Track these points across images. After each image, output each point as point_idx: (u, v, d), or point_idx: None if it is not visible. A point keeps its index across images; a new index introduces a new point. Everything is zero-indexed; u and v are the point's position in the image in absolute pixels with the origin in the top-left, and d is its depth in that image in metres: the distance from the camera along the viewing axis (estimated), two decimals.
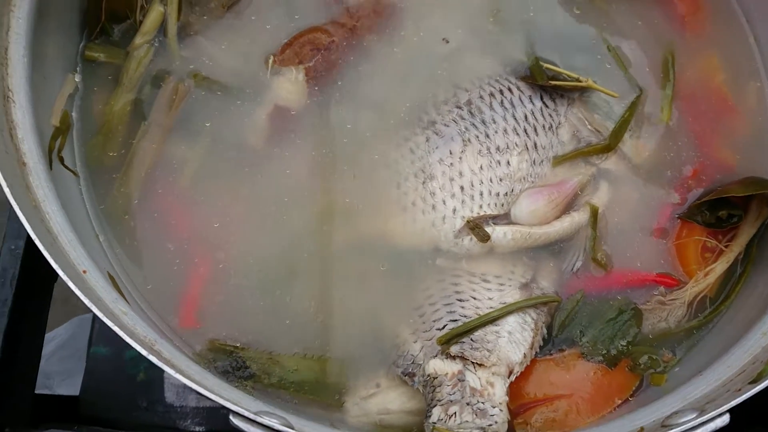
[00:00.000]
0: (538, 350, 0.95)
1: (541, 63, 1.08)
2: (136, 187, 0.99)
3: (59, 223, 0.78)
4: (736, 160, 1.07)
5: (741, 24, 1.17)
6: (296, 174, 1.03)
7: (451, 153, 1.02)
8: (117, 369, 1.16)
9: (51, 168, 0.85)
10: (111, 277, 0.88)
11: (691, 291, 0.98)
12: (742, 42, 1.16)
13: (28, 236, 0.75)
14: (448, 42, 1.11)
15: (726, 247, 1.00)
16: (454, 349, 0.92)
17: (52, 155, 0.88)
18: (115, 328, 0.65)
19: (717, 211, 0.99)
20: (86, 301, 0.66)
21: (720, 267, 0.99)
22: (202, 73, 1.06)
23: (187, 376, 0.67)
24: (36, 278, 0.95)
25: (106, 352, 1.19)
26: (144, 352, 0.64)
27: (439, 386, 0.89)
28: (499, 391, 0.89)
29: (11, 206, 0.72)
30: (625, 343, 0.96)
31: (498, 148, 1.02)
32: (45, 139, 0.87)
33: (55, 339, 1.19)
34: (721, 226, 1.00)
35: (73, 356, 1.19)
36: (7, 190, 0.68)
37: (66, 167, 0.93)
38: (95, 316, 0.70)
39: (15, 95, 0.80)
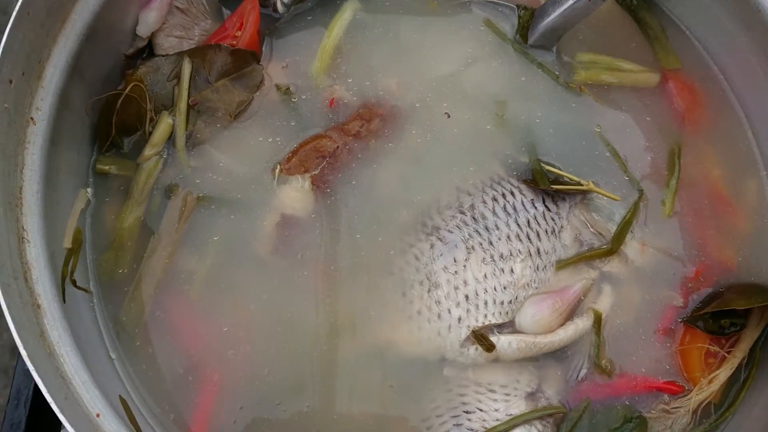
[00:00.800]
0: None
1: (543, 165, 1.10)
2: (147, 302, 1.01)
3: (73, 365, 0.80)
4: (736, 261, 1.08)
5: (740, 119, 1.18)
6: (303, 283, 1.04)
7: (455, 261, 1.03)
8: None
9: (64, 301, 0.87)
10: (123, 401, 0.90)
11: (695, 399, 0.99)
12: (741, 138, 1.17)
13: None
14: (449, 116, 1.13)
15: (729, 352, 1.01)
16: None
17: (65, 284, 0.90)
18: None
19: (719, 319, 1.00)
20: None
21: (724, 374, 1.00)
22: (211, 177, 1.08)
23: None
24: None
25: None
26: None
27: None
28: None
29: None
30: None
31: (501, 256, 1.04)
32: (57, 269, 0.89)
33: None
34: (723, 334, 1.01)
35: None
36: (23, 352, 0.70)
37: (79, 288, 0.95)
38: None
39: (29, 234, 0.82)
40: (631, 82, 1.19)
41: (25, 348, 0.70)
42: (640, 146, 1.15)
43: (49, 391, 0.70)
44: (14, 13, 0.81)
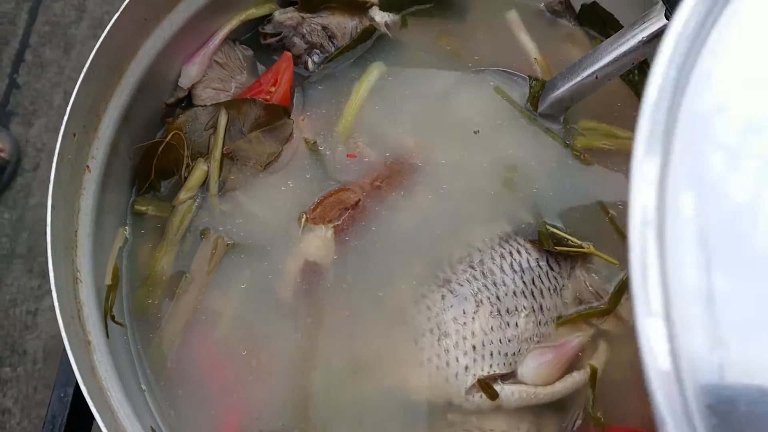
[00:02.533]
0: None
1: (548, 227, 1.19)
2: (176, 339, 1.08)
3: (118, 399, 0.86)
4: None
5: None
6: (320, 326, 1.12)
7: (464, 312, 1.11)
8: None
9: (108, 336, 0.94)
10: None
11: None
12: None
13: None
14: (477, 132, 1.23)
15: None
16: None
17: (107, 320, 0.97)
18: None
19: None
20: None
21: None
22: (240, 222, 1.16)
23: None
24: (80, 424, 1.03)
25: None
26: None
27: None
28: None
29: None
30: None
31: (507, 310, 1.12)
32: (101, 306, 0.96)
33: None
34: None
35: None
36: (84, 389, 0.76)
37: (116, 322, 1.02)
38: None
39: (81, 274, 0.89)
40: (627, 149, 1.29)
41: (85, 385, 0.77)
42: None
43: (106, 426, 0.76)
44: (83, 74, 0.89)
